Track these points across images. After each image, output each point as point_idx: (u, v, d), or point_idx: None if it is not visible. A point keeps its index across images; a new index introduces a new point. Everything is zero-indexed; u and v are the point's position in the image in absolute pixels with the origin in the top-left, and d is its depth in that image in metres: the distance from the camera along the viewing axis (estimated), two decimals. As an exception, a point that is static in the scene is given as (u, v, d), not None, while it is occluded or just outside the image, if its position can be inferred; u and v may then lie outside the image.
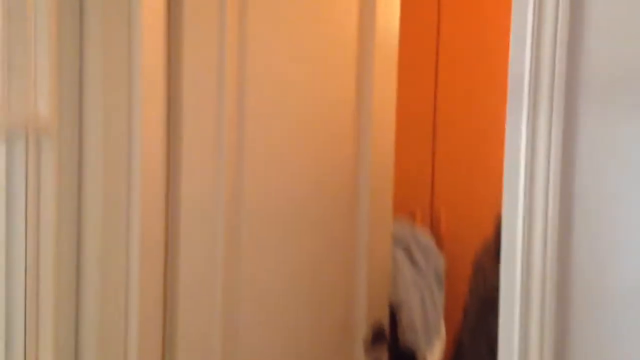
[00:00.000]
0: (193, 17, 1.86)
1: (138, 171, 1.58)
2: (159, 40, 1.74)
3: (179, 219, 1.81)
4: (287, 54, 2.13)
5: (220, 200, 1.93)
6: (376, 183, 2.42)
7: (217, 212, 1.92)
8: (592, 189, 1.31)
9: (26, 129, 1.34)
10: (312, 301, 2.27)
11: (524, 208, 1.33)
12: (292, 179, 2.18)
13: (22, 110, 1.32)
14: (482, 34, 3.10)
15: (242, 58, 1.99)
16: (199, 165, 1.86)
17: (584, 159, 1.33)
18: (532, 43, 1.33)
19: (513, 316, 1.38)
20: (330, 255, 2.31)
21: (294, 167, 2.18)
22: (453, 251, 3.07)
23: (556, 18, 1.32)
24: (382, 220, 2.48)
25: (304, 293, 2.24)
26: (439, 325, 3.03)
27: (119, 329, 1.65)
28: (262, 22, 2.07)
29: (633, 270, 1.30)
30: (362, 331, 2.35)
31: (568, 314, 1.36)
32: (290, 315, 2.19)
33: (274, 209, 2.12)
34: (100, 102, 1.57)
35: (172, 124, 1.77)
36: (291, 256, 2.19)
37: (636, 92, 1.31)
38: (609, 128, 1.30)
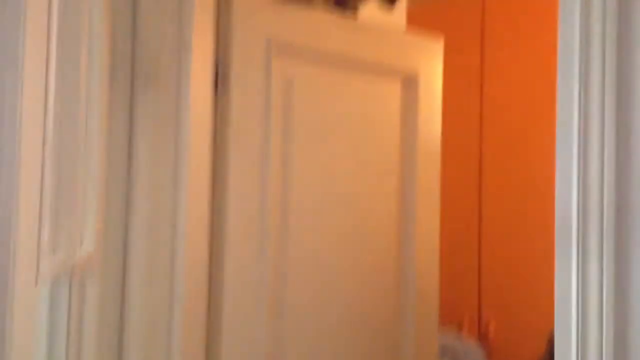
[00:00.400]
0: (238, 146, 1.91)
1: (180, 310, 1.58)
2: (205, 177, 1.80)
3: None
4: (329, 167, 2.14)
5: (262, 326, 1.93)
6: (421, 292, 2.38)
7: (259, 336, 1.92)
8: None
9: (71, 270, 1.35)
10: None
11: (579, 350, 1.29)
12: (335, 292, 2.16)
13: (68, 252, 1.33)
14: (525, 134, 3.08)
15: (285, 178, 2.02)
16: (240, 303, 1.88)
17: (636, 302, 1.28)
18: (578, 184, 1.30)
19: None
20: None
21: (336, 279, 2.16)
22: (503, 363, 2.98)
23: (602, 164, 1.30)
24: (427, 330, 2.42)
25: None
26: None
27: None
28: (304, 139, 2.09)
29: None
30: None
31: None
32: None
33: (317, 325, 2.10)
34: (144, 237, 1.58)
35: (215, 261, 1.79)
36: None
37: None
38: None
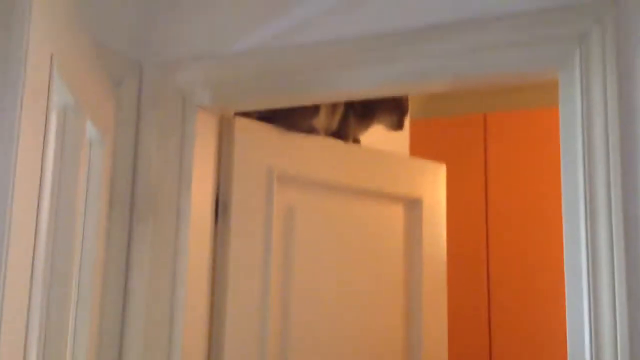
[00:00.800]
0: (237, 273, 1.87)
1: None
2: (203, 310, 1.76)
3: None
4: (332, 290, 2.09)
5: None
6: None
7: None
8: None
9: None
10: None
11: None
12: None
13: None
14: (532, 250, 3.03)
15: (286, 304, 1.96)
16: None
17: None
18: (590, 318, 1.25)
19: None
20: None
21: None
22: None
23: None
24: None
25: None
26: None
27: None
28: (305, 264, 2.05)
29: None
30: None
31: None
32: None
33: None
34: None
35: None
36: None
37: None
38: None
